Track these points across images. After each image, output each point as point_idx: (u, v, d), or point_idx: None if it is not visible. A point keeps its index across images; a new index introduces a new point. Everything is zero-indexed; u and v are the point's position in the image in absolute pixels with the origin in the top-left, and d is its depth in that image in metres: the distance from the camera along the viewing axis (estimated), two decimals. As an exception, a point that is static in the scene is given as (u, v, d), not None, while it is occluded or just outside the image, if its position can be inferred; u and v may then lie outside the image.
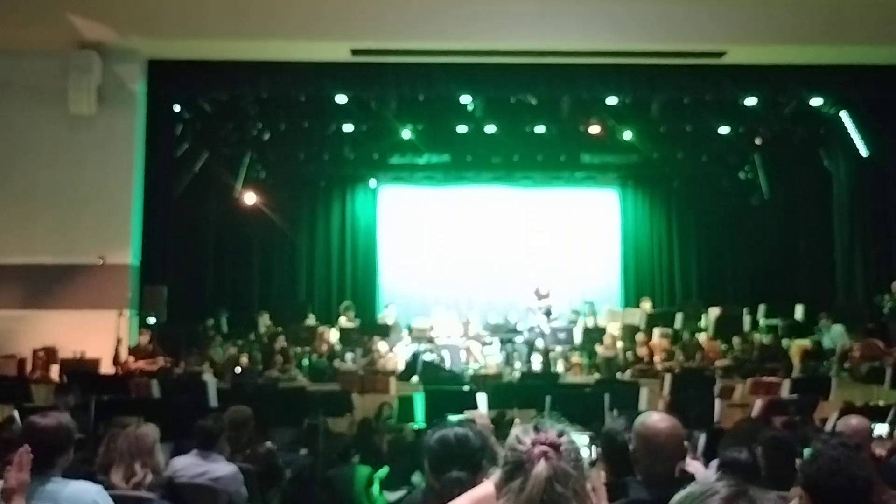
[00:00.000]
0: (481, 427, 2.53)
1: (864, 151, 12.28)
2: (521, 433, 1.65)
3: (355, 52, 10.81)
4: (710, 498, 1.01)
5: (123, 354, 10.11)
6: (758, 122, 13.27)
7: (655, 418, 2.61)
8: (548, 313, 12.07)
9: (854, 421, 3.99)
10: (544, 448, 1.60)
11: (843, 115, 12.43)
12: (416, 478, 5.48)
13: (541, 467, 1.58)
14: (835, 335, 11.04)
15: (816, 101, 12.29)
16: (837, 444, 2.61)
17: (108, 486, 3.57)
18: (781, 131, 13.55)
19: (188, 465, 4.39)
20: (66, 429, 3.14)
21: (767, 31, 10.58)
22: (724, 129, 13.40)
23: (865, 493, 2.30)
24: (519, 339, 12.25)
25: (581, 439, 1.81)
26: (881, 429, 5.13)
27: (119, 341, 10.11)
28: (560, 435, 1.64)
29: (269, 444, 5.47)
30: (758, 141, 14.03)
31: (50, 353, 10.07)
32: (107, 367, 9.83)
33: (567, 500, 1.58)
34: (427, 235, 15.42)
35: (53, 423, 3.12)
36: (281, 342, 11.49)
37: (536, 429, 1.65)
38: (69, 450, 3.15)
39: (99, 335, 10.09)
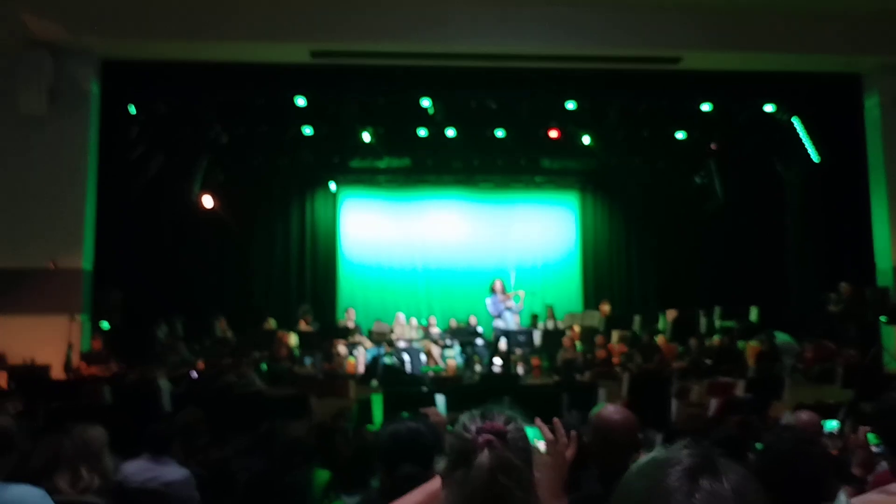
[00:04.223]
0: (435, 423, 2.48)
1: (815, 157, 12.55)
2: (468, 420, 1.59)
3: (314, 55, 10.74)
4: (672, 469, 0.96)
5: (75, 360, 9.88)
6: (713, 128, 13.50)
7: (610, 410, 2.62)
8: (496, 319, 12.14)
9: (804, 416, 4.05)
10: (489, 436, 1.54)
11: (796, 122, 12.70)
12: (376, 481, 5.42)
13: (484, 457, 1.52)
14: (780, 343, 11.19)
15: (769, 108, 12.55)
16: (788, 437, 2.64)
17: (54, 491, 3.46)
18: (736, 137, 13.79)
19: (139, 470, 4.28)
20: (5, 433, 3.04)
21: (722, 37, 10.80)
22: (680, 135, 13.59)
23: (816, 484, 2.32)
24: (479, 342, 12.26)
25: (534, 431, 1.78)
26: (832, 425, 5.21)
27: (70, 347, 9.88)
28: (507, 422, 1.58)
29: (223, 448, 5.37)
30: (713, 146, 14.27)
31: (-2, 359, 9.79)
32: (58, 374, 9.59)
33: (510, 492, 1.51)
34: (388, 238, 15.36)
35: (-7, 427, 3.02)
36: (237, 346, 11.33)
37: (483, 416, 1.60)
38: (8, 454, 3.04)
39: (50, 341, 9.85)
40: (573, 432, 1.91)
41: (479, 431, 1.54)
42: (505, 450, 1.52)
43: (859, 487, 2.70)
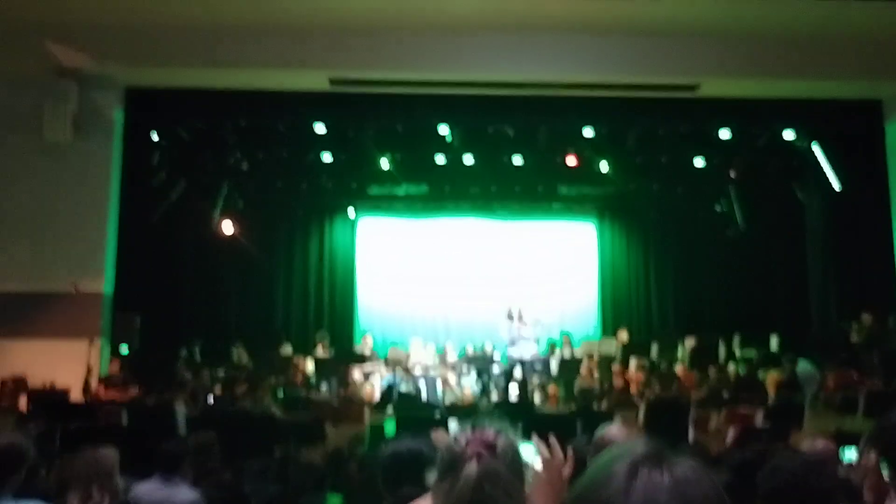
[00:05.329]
0: (439, 443, 2.47)
1: (836, 184, 12.44)
2: (459, 433, 1.60)
3: (333, 82, 10.87)
4: (622, 459, 0.98)
5: (94, 384, 9.95)
6: (732, 154, 13.45)
7: (614, 430, 2.60)
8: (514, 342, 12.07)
9: (820, 443, 3.99)
10: (477, 448, 1.54)
11: (816, 149, 12.62)
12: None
13: (471, 467, 1.52)
14: (800, 372, 11.01)
15: (789, 135, 12.49)
16: (798, 460, 2.60)
17: (64, 511, 3.49)
18: (755, 164, 13.73)
19: (149, 491, 4.29)
20: (17, 449, 3.06)
21: (740, 64, 10.80)
22: (699, 162, 13.55)
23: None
24: (496, 370, 12.20)
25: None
26: (851, 454, 5.11)
27: (90, 370, 9.96)
28: (498, 435, 1.59)
29: (237, 471, 5.37)
30: (732, 173, 14.20)
31: (18, 383, 9.87)
32: (77, 397, 9.65)
33: (496, 502, 1.50)
34: (405, 265, 15.39)
35: (4, 443, 3.04)
36: (254, 371, 11.37)
37: (474, 428, 1.60)
38: (20, 471, 3.06)
39: (70, 364, 9.92)
40: (570, 449, 1.90)
41: (469, 443, 1.55)
42: (493, 460, 1.52)
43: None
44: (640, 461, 0.96)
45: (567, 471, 1.89)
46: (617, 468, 0.96)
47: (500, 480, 1.51)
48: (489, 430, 1.59)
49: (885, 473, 2.50)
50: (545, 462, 1.84)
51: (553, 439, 1.90)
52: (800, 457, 2.57)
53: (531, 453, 1.84)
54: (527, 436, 1.91)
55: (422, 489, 2.20)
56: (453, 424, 6.82)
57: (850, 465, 5.06)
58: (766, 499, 2.42)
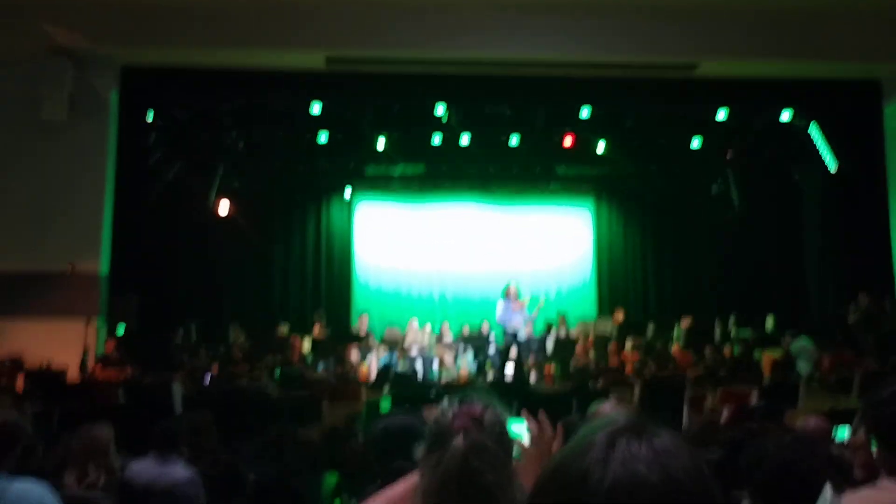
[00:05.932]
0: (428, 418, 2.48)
1: (833, 166, 12.43)
2: (446, 406, 1.61)
3: (330, 61, 10.81)
4: (604, 429, 0.99)
5: (91, 363, 9.97)
6: (729, 135, 13.42)
7: (607, 407, 2.61)
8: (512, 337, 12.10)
9: (813, 422, 4.01)
10: (464, 422, 1.55)
11: (813, 130, 12.59)
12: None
13: (458, 441, 1.53)
14: (797, 348, 11.07)
15: (787, 116, 12.45)
16: (786, 443, 2.60)
17: (60, 488, 3.50)
18: (752, 145, 13.70)
19: (145, 469, 4.30)
20: (13, 428, 3.07)
21: (739, 44, 10.75)
22: (696, 143, 13.52)
23: (808, 484, 2.29)
24: (492, 349, 12.24)
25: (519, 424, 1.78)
26: (845, 432, 5.14)
27: (87, 350, 9.97)
28: (485, 409, 1.59)
29: (233, 450, 5.39)
30: (729, 155, 14.18)
31: (15, 363, 9.89)
32: (74, 377, 9.68)
33: (482, 475, 1.51)
34: (402, 245, 15.39)
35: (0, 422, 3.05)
36: (251, 351, 11.39)
37: (461, 402, 1.61)
38: (14, 449, 3.06)
39: (67, 344, 9.94)
40: (559, 425, 1.91)
41: (456, 417, 1.56)
42: (480, 434, 1.53)
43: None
44: (620, 431, 0.97)
45: (556, 446, 1.91)
46: (596, 438, 0.97)
47: (486, 454, 1.52)
48: (476, 405, 1.60)
49: (875, 450, 2.51)
50: (534, 437, 1.85)
51: (542, 415, 1.91)
52: (788, 438, 2.57)
53: (522, 430, 1.85)
54: (521, 414, 1.92)
55: (413, 464, 2.22)
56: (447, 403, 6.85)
57: (842, 444, 5.08)
58: (755, 486, 2.42)
